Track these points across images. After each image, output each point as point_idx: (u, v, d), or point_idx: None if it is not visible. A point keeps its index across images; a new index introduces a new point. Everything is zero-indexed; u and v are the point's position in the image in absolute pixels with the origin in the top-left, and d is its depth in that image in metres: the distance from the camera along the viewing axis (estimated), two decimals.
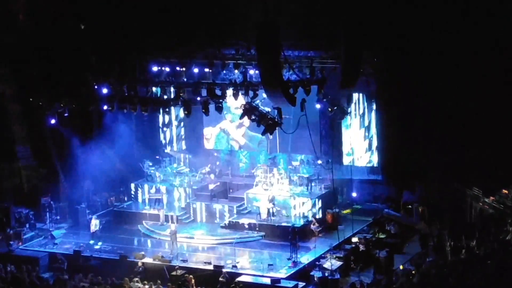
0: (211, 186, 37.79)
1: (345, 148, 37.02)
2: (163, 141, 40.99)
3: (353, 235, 34.11)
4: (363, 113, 36.48)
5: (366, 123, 36.54)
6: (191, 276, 30.12)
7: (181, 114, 37.85)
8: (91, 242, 34.78)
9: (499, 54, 31.35)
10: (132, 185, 39.36)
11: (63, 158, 38.69)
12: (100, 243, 34.49)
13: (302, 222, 34.98)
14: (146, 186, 39.07)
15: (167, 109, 35.79)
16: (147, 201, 38.66)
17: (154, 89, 35.43)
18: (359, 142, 36.78)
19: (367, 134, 36.61)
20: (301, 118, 32.23)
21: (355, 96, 36.17)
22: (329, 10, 30.16)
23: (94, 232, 35.27)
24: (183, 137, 41.10)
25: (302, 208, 35.67)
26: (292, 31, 29.56)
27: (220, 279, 30.10)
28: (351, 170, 37.00)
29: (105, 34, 34.38)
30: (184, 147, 41.19)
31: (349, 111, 36.07)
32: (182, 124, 40.85)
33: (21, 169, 39.00)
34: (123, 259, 32.65)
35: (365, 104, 36.36)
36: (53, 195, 38.30)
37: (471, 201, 33.27)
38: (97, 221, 35.67)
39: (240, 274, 30.45)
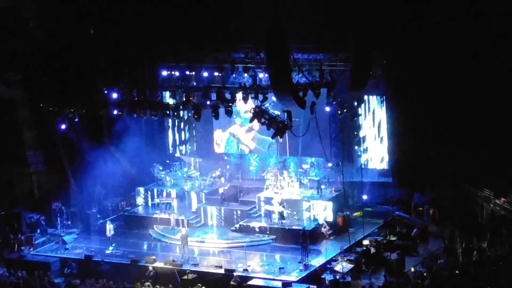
0: (221, 190, 37.83)
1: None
2: (171, 149, 41.25)
3: (364, 238, 34.12)
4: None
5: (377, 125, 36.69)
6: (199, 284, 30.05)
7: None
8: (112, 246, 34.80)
9: None
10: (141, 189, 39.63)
11: (74, 163, 38.78)
12: (111, 248, 34.52)
13: (313, 225, 34.98)
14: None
15: (176, 114, 35.76)
16: (159, 204, 38.67)
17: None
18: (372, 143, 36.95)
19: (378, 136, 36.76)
20: (311, 121, 32.22)
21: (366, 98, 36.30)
22: (338, 13, 30.15)
23: (110, 237, 35.50)
24: (194, 140, 41.28)
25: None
26: (301, 34, 29.58)
27: (231, 282, 30.12)
28: (362, 173, 37.00)
29: (114, 39, 34.45)
30: (187, 150, 41.35)
31: (359, 113, 36.15)
32: (192, 128, 41.04)
33: (32, 174, 39.19)
34: (134, 263, 32.68)
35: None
36: (64, 200, 38.42)
37: (482, 202, 33.23)
38: (111, 226, 35.85)
39: (251, 278, 30.47)
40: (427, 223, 35.42)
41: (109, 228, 35.81)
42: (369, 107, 36.54)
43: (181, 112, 36.79)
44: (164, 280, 30.54)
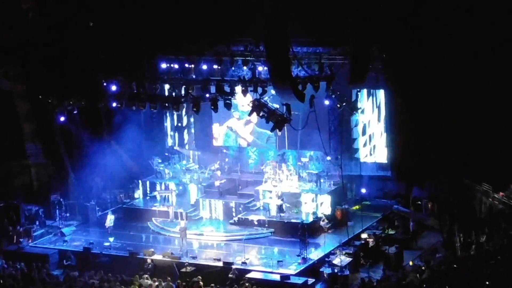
0: (216, 183, 37.84)
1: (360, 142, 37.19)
2: (170, 141, 41.26)
3: (363, 231, 34.11)
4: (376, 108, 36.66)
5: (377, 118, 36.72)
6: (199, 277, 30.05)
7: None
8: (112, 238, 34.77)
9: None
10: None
11: (73, 156, 38.81)
12: (111, 239, 34.49)
13: (311, 218, 34.98)
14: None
15: (175, 106, 35.71)
16: (158, 198, 38.69)
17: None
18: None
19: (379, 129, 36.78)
20: (310, 114, 32.19)
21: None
22: (337, 6, 30.09)
23: (108, 227, 35.50)
24: (193, 133, 41.27)
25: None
26: (300, 27, 29.51)
27: (230, 275, 30.10)
28: (361, 166, 37.01)
29: (114, 31, 34.39)
30: (186, 143, 41.38)
31: (359, 107, 36.13)
32: (190, 121, 41.05)
33: (31, 166, 39.17)
34: (132, 256, 32.69)
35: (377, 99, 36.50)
36: (63, 192, 38.45)
37: (481, 196, 33.19)
38: (112, 217, 35.88)
39: (249, 271, 30.45)
40: (425, 217, 35.43)
41: (110, 218, 35.81)
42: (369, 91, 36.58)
43: (180, 105, 36.66)
44: (163, 273, 30.52)
